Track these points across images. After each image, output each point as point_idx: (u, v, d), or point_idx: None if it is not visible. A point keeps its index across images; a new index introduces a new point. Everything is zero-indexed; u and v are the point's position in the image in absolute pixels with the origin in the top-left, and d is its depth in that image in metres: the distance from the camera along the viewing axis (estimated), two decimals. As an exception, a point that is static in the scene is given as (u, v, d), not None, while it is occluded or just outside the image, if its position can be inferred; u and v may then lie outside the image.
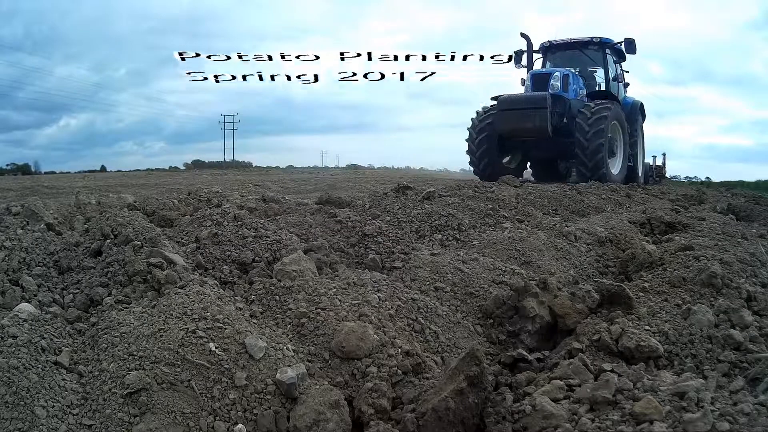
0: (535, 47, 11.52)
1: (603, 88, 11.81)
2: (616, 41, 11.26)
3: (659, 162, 18.88)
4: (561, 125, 9.62)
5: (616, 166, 10.29)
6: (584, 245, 2.80)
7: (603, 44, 11.21)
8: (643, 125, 12.78)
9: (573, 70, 10.63)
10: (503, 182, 5.57)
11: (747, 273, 1.87)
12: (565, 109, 9.85)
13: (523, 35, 11.64)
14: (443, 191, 4.11)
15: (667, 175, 20.02)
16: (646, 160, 14.64)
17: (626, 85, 12.28)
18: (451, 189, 4.40)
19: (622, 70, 12.05)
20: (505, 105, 9.89)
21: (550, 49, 11.66)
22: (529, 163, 12.29)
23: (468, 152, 10.95)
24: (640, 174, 12.08)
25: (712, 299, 1.67)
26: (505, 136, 10.30)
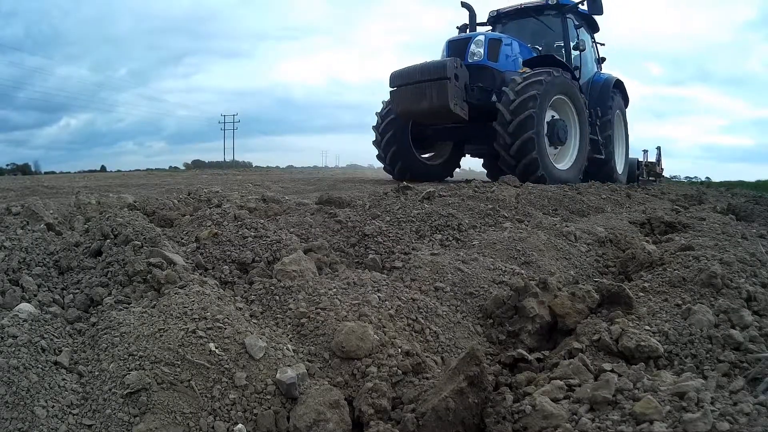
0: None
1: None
2: (577, 1, 8.90)
3: (652, 158, 16.14)
4: (491, 105, 7.13)
5: (565, 159, 7.86)
6: (584, 245, 2.80)
7: (562, 7, 8.81)
8: (625, 110, 10.43)
9: (519, 40, 8.21)
10: (503, 182, 5.56)
11: (747, 273, 1.87)
12: (495, 84, 7.47)
13: (464, 5, 9.22)
14: (443, 191, 4.11)
15: (664, 173, 17.24)
16: (632, 155, 12.37)
17: (600, 60, 10.17)
18: (451, 189, 4.40)
19: (594, 42, 9.97)
20: (398, 80, 7.40)
21: (499, 20, 9.41)
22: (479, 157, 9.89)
23: (374, 143, 8.62)
24: (618, 170, 9.97)
25: (712, 299, 1.67)
26: (403, 120, 7.99)
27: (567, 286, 2.01)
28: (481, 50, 7.59)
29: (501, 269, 2.15)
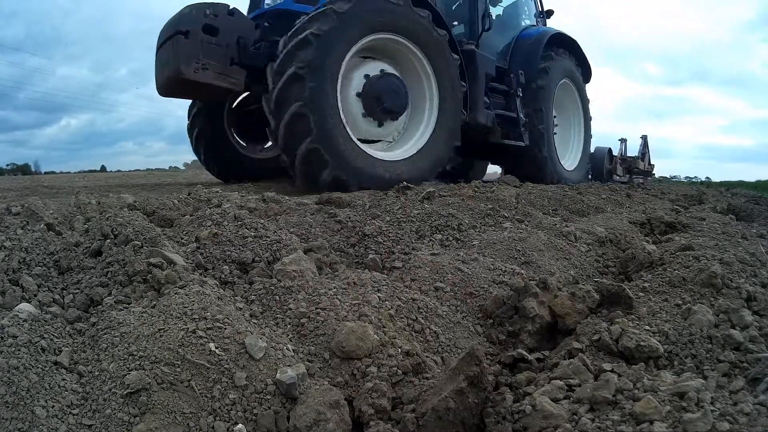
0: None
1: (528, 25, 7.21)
2: None
3: (631, 151, 11.97)
4: None
5: (409, 143, 4.95)
6: (584, 245, 2.80)
7: None
8: (581, 81, 7.72)
9: None
10: (503, 182, 5.55)
11: (747, 273, 1.87)
12: None
13: None
14: (443, 191, 4.11)
15: (655, 171, 13.22)
16: (598, 146, 9.75)
17: (544, 13, 7.90)
18: (451, 189, 4.40)
19: None
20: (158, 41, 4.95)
21: None
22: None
23: (188, 133, 6.35)
24: (565, 165, 7.41)
25: (712, 299, 1.67)
26: (187, 100, 5.89)
27: (567, 286, 2.01)
28: None
29: (501, 269, 2.15)
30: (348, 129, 4.41)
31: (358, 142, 4.52)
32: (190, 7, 4.73)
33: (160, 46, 4.85)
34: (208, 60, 4.61)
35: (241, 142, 6.29)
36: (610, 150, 10.76)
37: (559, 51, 7.32)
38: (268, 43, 4.83)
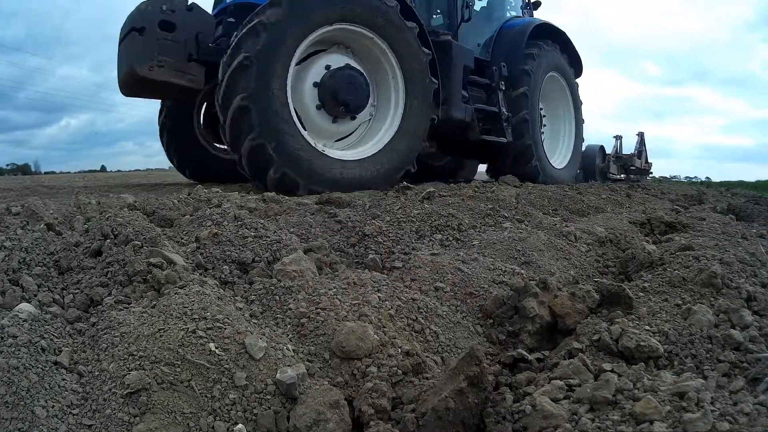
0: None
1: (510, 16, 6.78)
2: None
3: (627, 148, 11.53)
4: None
5: (370, 142, 4.62)
6: (584, 245, 2.81)
7: None
8: (572, 75, 7.36)
9: None
10: (503, 182, 5.55)
11: (747, 273, 1.87)
12: None
13: None
14: (443, 191, 4.12)
15: (652, 170, 12.48)
16: (590, 143, 9.20)
17: (531, 4, 7.53)
18: (451, 189, 4.41)
19: None
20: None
21: None
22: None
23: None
24: (554, 163, 7.03)
25: (712, 299, 1.67)
26: (156, 99, 5.63)
27: (567, 286, 2.01)
28: None
29: (501, 269, 2.15)
30: (299, 125, 4.12)
31: (311, 139, 4.21)
32: (146, 3, 4.50)
33: (120, 44, 4.63)
34: (165, 57, 4.39)
35: (211, 143, 5.92)
36: (602, 148, 10.28)
37: (546, 43, 6.93)
38: (228, 38, 4.46)
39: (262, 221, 2.27)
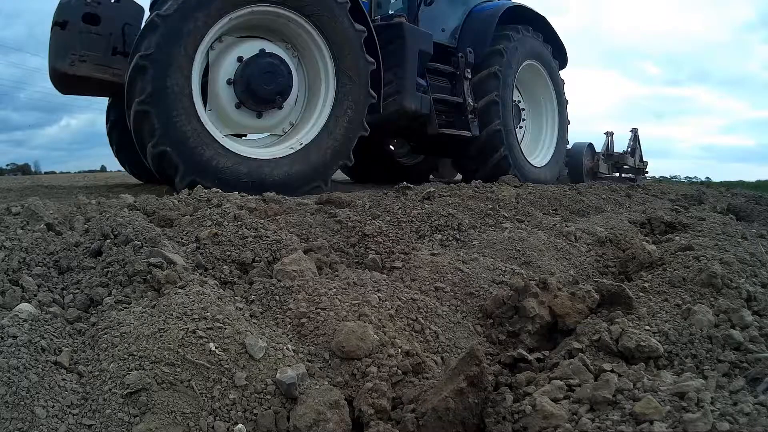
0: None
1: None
2: None
3: (621, 146, 10.48)
4: None
5: (296, 137, 4.15)
6: (584, 245, 2.81)
7: None
8: (554, 65, 6.73)
9: None
10: (503, 182, 5.54)
11: (747, 273, 1.87)
12: None
13: None
14: (443, 191, 4.12)
15: (647, 170, 11.56)
16: (577, 141, 8.64)
17: None
18: (451, 189, 4.41)
19: None
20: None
21: None
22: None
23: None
24: (532, 161, 6.37)
25: (712, 299, 1.68)
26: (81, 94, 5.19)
27: (567, 286, 2.01)
28: None
29: (501, 269, 2.15)
30: (210, 125, 3.74)
31: (225, 139, 3.82)
32: None
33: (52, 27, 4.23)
34: (87, 51, 4.06)
35: None
36: (590, 145, 9.41)
37: (527, 29, 6.32)
38: None
39: (262, 221, 2.27)
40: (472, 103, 5.64)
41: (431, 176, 7.61)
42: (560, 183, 6.75)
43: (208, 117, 3.77)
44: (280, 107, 4.09)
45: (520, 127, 6.63)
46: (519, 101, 6.61)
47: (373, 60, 4.39)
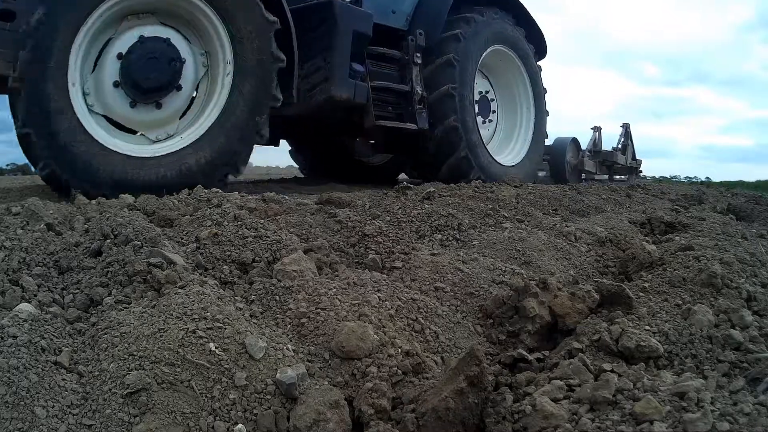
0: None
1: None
2: None
3: (611, 141, 9.61)
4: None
5: (187, 131, 3.63)
6: (584, 245, 2.81)
7: None
8: (529, 53, 6.01)
9: None
10: (503, 182, 5.54)
11: (747, 273, 1.87)
12: None
13: None
14: (443, 191, 4.12)
15: (641, 169, 10.75)
16: (560, 136, 7.75)
17: None
18: (451, 189, 4.41)
19: None
20: None
21: None
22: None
23: None
24: (499, 159, 5.71)
25: (712, 299, 1.68)
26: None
27: (567, 286, 2.01)
28: None
29: (501, 269, 2.15)
30: (86, 109, 3.37)
31: (100, 132, 3.41)
32: None
33: None
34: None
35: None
36: (574, 140, 8.39)
37: (492, 10, 5.60)
38: None
39: (262, 221, 2.27)
40: (420, 92, 4.99)
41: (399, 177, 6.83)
42: (540, 183, 5.99)
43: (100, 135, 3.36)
44: (159, 106, 3.61)
45: (490, 121, 6.01)
46: (487, 92, 6.00)
47: (283, 58, 3.85)
